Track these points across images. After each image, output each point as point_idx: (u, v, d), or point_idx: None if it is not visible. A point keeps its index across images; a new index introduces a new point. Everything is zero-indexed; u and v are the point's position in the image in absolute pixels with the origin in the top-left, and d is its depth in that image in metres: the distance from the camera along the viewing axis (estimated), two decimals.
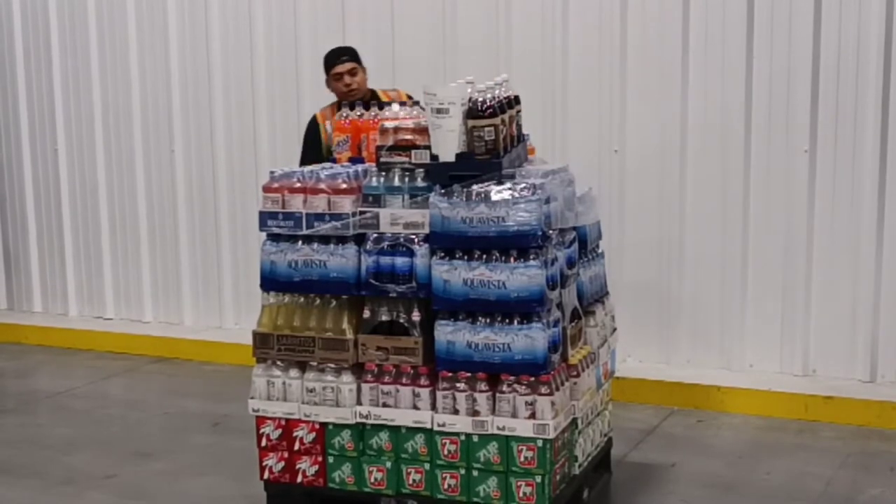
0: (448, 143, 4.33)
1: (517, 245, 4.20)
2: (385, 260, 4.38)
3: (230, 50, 7.89)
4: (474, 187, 4.28)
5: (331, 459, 4.58)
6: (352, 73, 5.97)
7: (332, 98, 6.12)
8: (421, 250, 4.35)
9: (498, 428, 4.29)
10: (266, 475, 4.70)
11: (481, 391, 4.31)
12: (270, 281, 4.61)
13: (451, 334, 4.30)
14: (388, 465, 4.49)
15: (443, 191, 4.31)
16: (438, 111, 4.32)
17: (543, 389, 4.23)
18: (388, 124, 4.57)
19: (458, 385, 4.33)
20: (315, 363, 4.57)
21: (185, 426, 6.36)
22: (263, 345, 4.63)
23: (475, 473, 4.35)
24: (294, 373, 4.62)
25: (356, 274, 4.43)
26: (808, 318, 6.39)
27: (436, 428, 4.37)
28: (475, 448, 4.33)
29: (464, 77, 4.52)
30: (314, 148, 6.00)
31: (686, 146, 6.52)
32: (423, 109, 4.47)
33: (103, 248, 8.60)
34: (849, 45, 6.13)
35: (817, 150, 6.26)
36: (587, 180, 5.14)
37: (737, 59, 6.37)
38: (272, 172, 4.74)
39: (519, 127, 4.61)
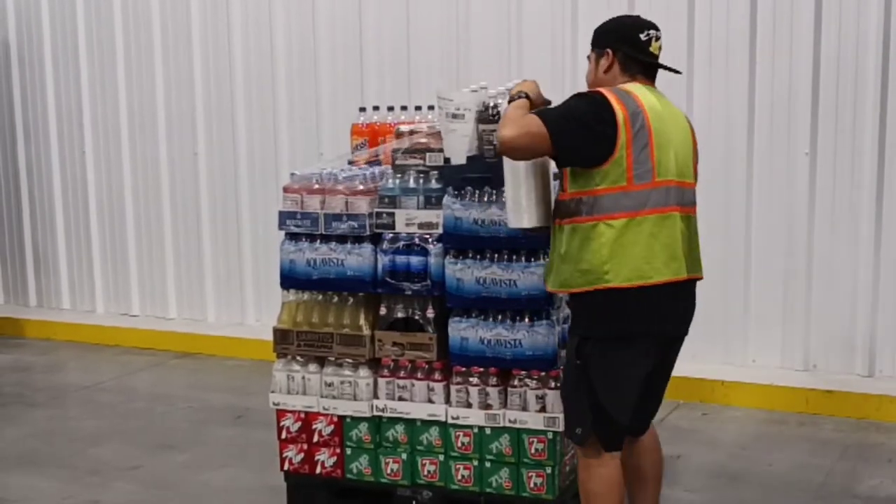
0: (460, 147, 4.30)
1: (528, 245, 4.22)
2: (400, 259, 4.42)
3: (251, 55, 7.96)
4: (486, 189, 4.31)
5: (348, 451, 4.63)
6: None
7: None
8: (435, 250, 4.38)
9: (509, 421, 4.34)
10: (286, 466, 4.75)
11: (493, 385, 4.35)
12: (290, 279, 4.64)
13: (465, 331, 4.34)
14: (404, 456, 4.55)
15: (455, 192, 4.33)
16: (454, 116, 4.28)
17: (553, 384, 4.26)
18: (404, 128, 4.61)
19: (471, 380, 4.37)
20: (333, 358, 4.60)
21: (208, 419, 6.39)
22: (283, 341, 4.68)
23: (488, 465, 4.40)
24: (313, 367, 4.66)
25: (372, 272, 4.47)
26: (808, 315, 6.44)
27: (450, 421, 4.43)
28: (488, 440, 4.38)
29: (476, 83, 4.51)
30: None
31: None
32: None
33: (129, 248, 8.67)
34: (848, 50, 6.20)
35: (818, 152, 6.33)
36: None
37: (739, 64, 6.43)
38: (293, 174, 4.80)
39: None
